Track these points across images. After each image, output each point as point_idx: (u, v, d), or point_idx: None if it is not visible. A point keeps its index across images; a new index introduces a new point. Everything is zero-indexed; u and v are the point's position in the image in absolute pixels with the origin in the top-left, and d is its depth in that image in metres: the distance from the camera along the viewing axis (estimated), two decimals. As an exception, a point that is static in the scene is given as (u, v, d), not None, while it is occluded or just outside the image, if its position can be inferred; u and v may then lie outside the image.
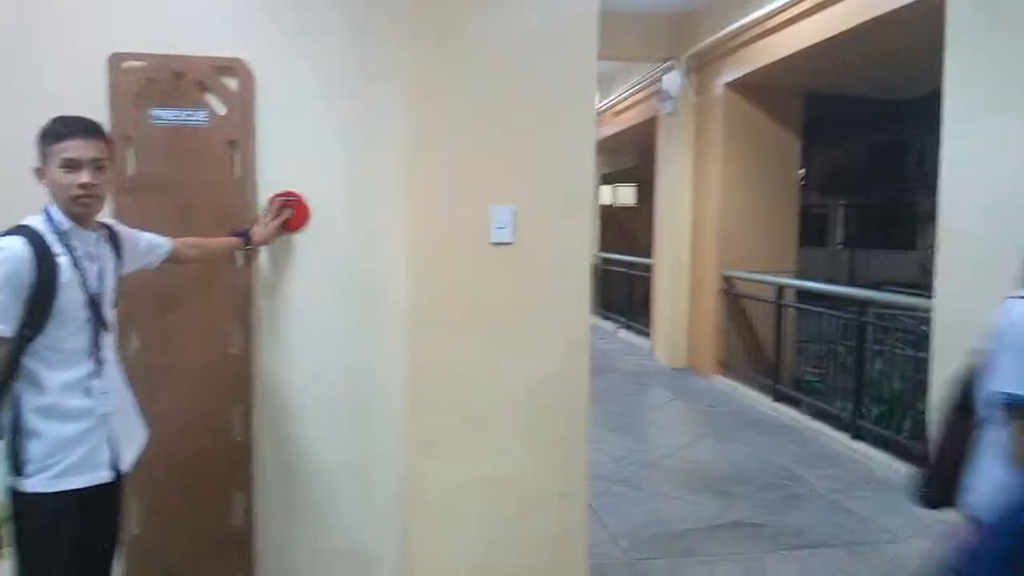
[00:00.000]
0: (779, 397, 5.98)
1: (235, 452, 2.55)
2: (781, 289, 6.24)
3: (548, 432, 2.57)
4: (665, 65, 7.30)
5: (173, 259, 2.22)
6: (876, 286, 10.34)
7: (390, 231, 2.56)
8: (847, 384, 5.48)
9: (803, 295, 6.57)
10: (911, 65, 6.04)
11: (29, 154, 1.83)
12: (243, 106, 2.42)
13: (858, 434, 4.95)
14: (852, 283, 13.14)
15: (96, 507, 1.89)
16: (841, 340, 5.94)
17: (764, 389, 6.22)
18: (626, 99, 9.23)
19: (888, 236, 14.06)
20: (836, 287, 6.37)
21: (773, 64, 5.97)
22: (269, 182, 2.49)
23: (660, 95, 7.40)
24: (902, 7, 4.46)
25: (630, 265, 10.05)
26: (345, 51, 2.51)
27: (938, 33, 3.86)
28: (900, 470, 4.34)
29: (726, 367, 6.89)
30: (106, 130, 1.90)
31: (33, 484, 1.77)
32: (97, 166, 1.80)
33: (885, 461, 4.56)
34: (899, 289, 8.41)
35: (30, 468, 1.76)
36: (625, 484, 4.22)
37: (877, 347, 5.51)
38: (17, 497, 1.77)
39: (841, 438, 5.02)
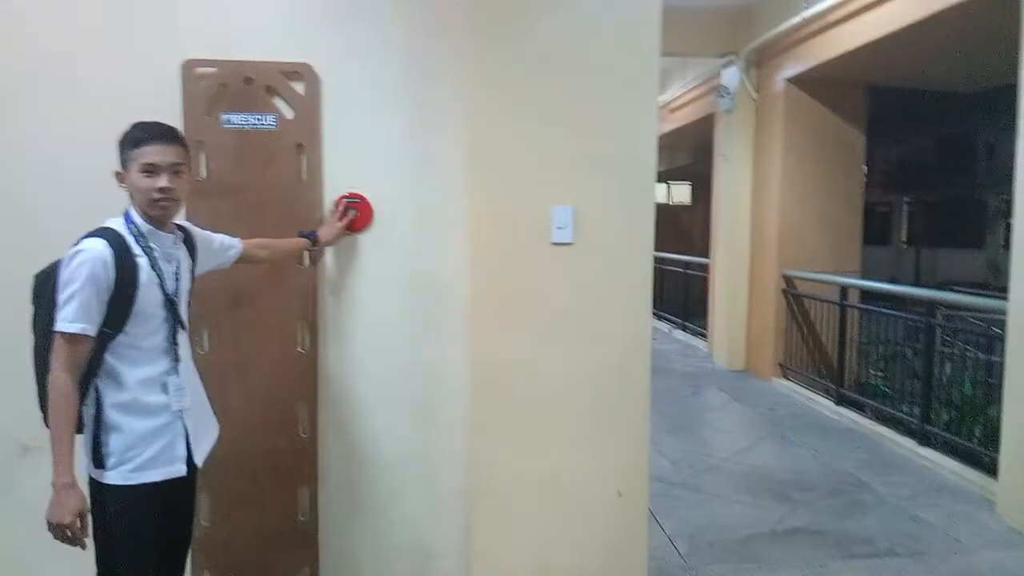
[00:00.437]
0: (842, 400, 5.83)
1: (300, 447, 2.61)
2: (845, 290, 6.07)
3: (609, 432, 2.56)
4: (723, 60, 7.19)
5: (244, 260, 2.27)
6: (942, 286, 10.00)
7: (452, 231, 2.59)
8: (914, 388, 5.31)
9: (866, 295, 6.38)
10: (981, 58, 5.82)
11: (107, 156, 1.90)
12: (310, 110, 2.47)
13: (926, 440, 4.79)
14: (917, 282, 12.73)
15: (171, 500, 1.96)
16: (907, 342, 5.75)
17: (826, 392, 6.08)
18: (682, 96, 9.11)
19: (954, 234, 13.56)
20: (905, 288, 6.16)
21: (836, 59, 5.80)
22: (335, 183, 2.54)
23: (718, 91, 7.28)
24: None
25: (686, 264, 9.93)
26: (408, 55, 2.54)
27: (1011, 24, 3.71)
28: (970, 478, 4.20)
29: (786, 369, 6.74)
30: (184, 135, 1.96)
31: (113, 477, 1.84)
32: (175, 170, 1.86)
33: (955, 468, 4.40)
34: (967, 289, 8.12)
35: (111, 461, 1.84)
36: (683, 487, 4.17)
37: (946, 350, 5.32)
38: (98, 489, 1.85)
39: (908, 443, 4.87)
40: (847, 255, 6.84)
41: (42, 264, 1.90)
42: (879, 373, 6.31)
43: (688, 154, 12.70)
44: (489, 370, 2.50)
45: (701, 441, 5.15)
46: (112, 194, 1.91)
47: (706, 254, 8.35)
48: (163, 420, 1.89)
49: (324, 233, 2.47)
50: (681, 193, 14.13)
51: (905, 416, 5.17)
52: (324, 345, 2.60)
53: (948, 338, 5.40)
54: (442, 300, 2.62)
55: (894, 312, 5.72)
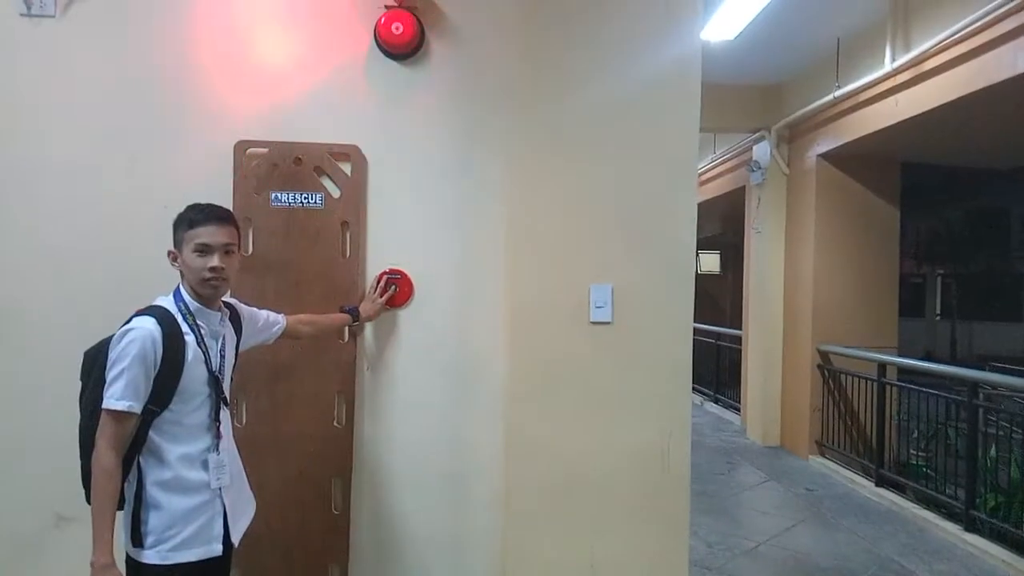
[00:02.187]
0: (882, 481, 5.64)
1: (333, 524, 2.58)
2: (883, 366, 5.93)
3: (647, 518, 2.50)
4: (755, 136, 7.26)
5: (287, 336, 2.30)
6: (981, 359, 9.77)
7: (491, 308, 2.60)
8: (957, 468, 5.13)
9: (903, 370, 6.22)
10: (1017, 136, 5.81)
11: (163, 230, 1.95)
12: (356, 189, 2.53)
13: (972, 525, 4.60)
14: (953, 355, 12.46)
15: (206, 579, 1.93)
16: (949, 420, 5.58)
17: (865, 472, 5.89)
18: (713, 167, 9.18)
19: (990, 307, 13.33)
20: (949, 368, 5.98)
21: (868, 136, 5.82)
22: (377, 260, 2.58)
23: (750, 165, 7.33)
24: (1008, 80, 4.29)
25: (717, 336, 9.82)
26: (451, 139, 2.59)
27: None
28: (1021, 568, 4.01)
29: (824, 447, 6.57)
30: (236, 217, 2.01)
31: (150, 556, 1.82)
32: (227, 251, 1.90)
33: (1004, 557, 4.20)
34: (1008, 365, 7.90)
35: (149, 540, 1.82)
36: (719, 572, 4.02)
37: (990, 430, 5.14)
38: (134, 567, 1.83)
39: (952, 528, 4.68)
40: (883, 330, 6.72)
41: (93, 340, 1.93)
42: (920, 453, 6.11)
43: (717, 224, 12.71)
44: (525, 450, 2.48)
45: (737, 522, 4.99)
46: (165, 270, 1.96)
47: (736, 323, 8.25)
48: (202, 498, 1.88)
49: (365, 308, 2.49)
50: (710, 262, 14.09)
51: (949, 500, 4.98)
52: (360, 420, 2.60)
53: (991, 418, 5.23)
54: (479, 378, 2.62)
55: (935, 392, 5.56)
